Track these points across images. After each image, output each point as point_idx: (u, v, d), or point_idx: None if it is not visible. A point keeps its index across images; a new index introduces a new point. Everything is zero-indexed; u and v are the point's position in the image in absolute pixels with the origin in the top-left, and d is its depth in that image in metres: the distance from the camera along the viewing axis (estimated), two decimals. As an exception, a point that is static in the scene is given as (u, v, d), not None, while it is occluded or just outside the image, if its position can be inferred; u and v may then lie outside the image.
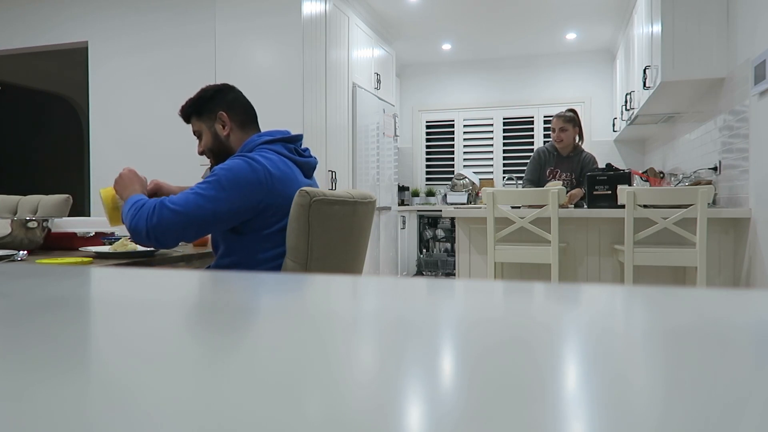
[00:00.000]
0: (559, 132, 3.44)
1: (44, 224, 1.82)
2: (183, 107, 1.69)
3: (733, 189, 2.89)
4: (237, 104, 1.68)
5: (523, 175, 6.04)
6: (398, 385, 0.20)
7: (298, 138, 1.69)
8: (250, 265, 1.57)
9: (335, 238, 1.62)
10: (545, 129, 6.35)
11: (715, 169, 3.15)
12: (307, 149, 1.73)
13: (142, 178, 1.63)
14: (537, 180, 3.61)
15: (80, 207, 6.32)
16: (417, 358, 0.23)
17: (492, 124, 6.46)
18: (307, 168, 1.69)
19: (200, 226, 1.46)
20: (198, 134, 1.68)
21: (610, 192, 2.96)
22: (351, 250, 1.71)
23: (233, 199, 1.46)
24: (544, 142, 6.33)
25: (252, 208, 1.50)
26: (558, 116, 3.47)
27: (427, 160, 6.70)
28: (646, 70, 3.50)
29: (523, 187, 3.39)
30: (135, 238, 1.47)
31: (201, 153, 1.70)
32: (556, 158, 3.55)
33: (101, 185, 4.16)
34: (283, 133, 1.66)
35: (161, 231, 1.43)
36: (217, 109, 1.65)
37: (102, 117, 4.18)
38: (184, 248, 1.98)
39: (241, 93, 1.74)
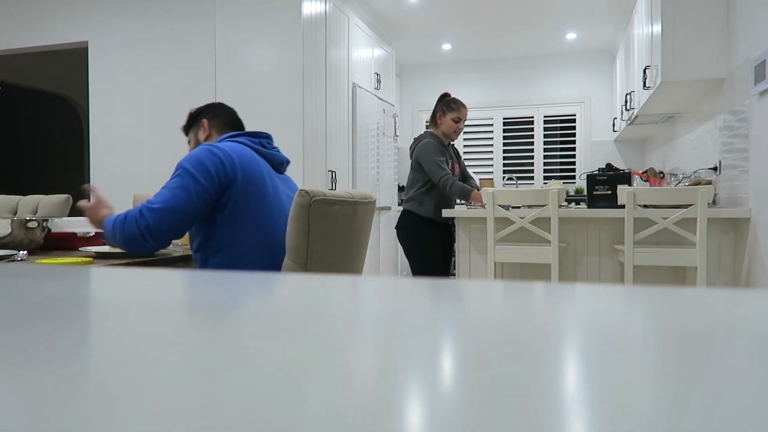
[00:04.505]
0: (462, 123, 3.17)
1: (44, 224, 1.82)
2: (185, 123, 1.88)
3: (733, 189, 2.89)
4: (220, 114, 1.84)
5: (513, 176, 6.07)
6: (397, 385, 0.20)
7: (264, 135, 1.78)
8: (228, 260, 1.60)
9: (335, 238, 1.62)
10: (545, 129, 6.36)
11: (715, 169, 3.15)
12: (275, 147, 1.81)
13: (103, 198, 1.68)
14: None
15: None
16: (416, 358, 0.23)
17: (492, 124, 6.47)
18: (275, 162, 1.77)
19: (186, 215, 1.53)
20: (189, 142, 1.86)
21: (610, 192, 2.96)
22: (351, 250, 1.71)
23: (202, 180, 1.54)
24: (545, 142, 6.36)
25: (222, 185, 1.57)
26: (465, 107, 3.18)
27: (427, 160, 6.70)
28: (646, 70, 3.50)
29: (451, 182, 2.98)
30: (132, 246, 1.53)
31: None
32: (450, 149, 3.26)
33: (101, 185, 4.17)
34: (250, 131, 1.78)
35: (155, 231, 1.50)
36: (200, 119, 1.82)
37: (102, 117, 4.18)
38: (184, 249, 1.98)
39: (231, 109, 1.88)
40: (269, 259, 1.64)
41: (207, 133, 1.80)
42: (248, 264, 1.61)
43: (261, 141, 1.76)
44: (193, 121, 1.84)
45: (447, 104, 3.17)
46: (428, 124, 3.31)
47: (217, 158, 1.57)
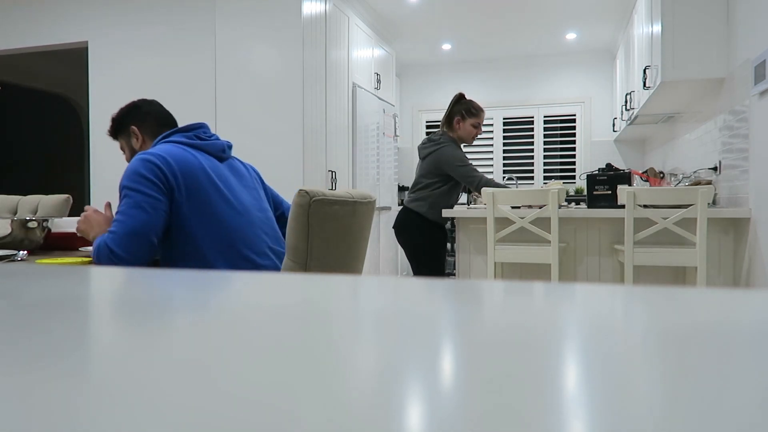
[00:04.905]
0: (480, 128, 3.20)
1: (44, 224, 1.82)
2: (109, 128, 1.81)
3: (733, 189, 2.89)
4: (149, 116, 1.77)
5: (513, 176, 6.04)
6: (396, 385, 0.20)
7: (198, 126, 1.73)
8: (196, 265, 1.59)
9: (335, 238, 1.62)
10: (545, 129, 6.36)
11: (715, 169, 3.15)
12: (213, 135, 1.75)
13: (108, 215, 1.65)
14: None
15: (80, 207, 6.32)
16: (417, 359, 0.23)
17: (492, 124, 6.47)
18: (215, 149, 1.71)
19: (150, 230, 1.49)
20: (122, 150, 1.80)
21: (610, 192, 2.96)
22: (351, 250, 1.71)
23: (148, 191, 1.51)
24: (545, 143, 6.36)
25: (167, 190, 1.54)
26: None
27: (427, 160, 6.70)
28: (646, 70, 3.50)
29: (493, 182, 3.05)
30: None
31: None
32: None
33: (101, 185, 4.17)
34: (182, 126, 1.73)
35: (127, 259, 1.47)
36: (129, 125, 1.76)
37: (102, 117, 4.18)
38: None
39: (158, 105, 1.81)
40: (234, 253, 1.60)
41: (141, 140, 1.75)
42: (216, 262, 1.57)
43: (196, 133, 1.71)
44: (119, 127, 1.78)
45: (468, 110, 3.13)
46: (441, 125, 3.23)
47: (153, 164, 1.53)
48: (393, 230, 3.20)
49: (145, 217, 1.49)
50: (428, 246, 3.07)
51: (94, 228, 1.61)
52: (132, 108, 1.78)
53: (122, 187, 1.53)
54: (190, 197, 1.56)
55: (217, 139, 1.74)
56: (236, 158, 1.83)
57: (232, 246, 1.60)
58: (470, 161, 3.09)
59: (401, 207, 3.19)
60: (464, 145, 3.23)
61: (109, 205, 1.70)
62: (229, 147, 1.76)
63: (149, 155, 1.55)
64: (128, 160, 1.76)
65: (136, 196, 1.50)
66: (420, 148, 3.18)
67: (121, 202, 1.53)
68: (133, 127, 1.74)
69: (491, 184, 3.01)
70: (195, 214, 1.56)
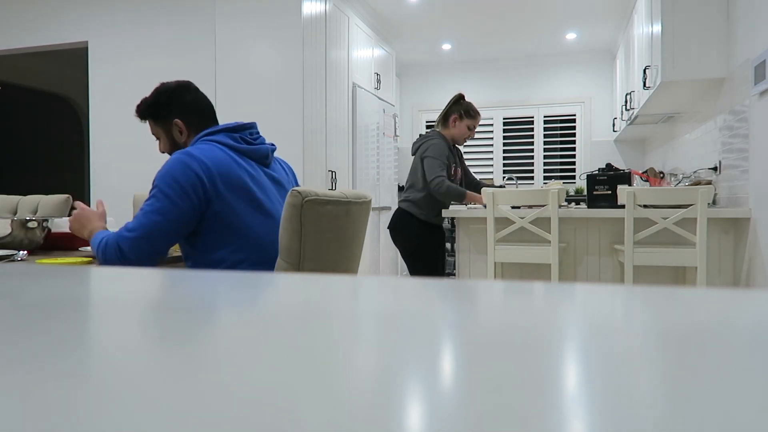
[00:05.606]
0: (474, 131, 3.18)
1: (44, 224, 1.82)
2: (139, 107, 1.68)
3: (733, 189, 2.89)
4: (193, 108, 1.67)
5: (513, 176, 6.01)
6: (396, 385, 0.20)
7: (246, 126, 1.66)
8: (205, 265, 1.57)
9: (328, 239, 1.61)
10: (545, 129, 6.36)
11: (715, 169, 3.15)
12: (259, 137, 1.69)
13: (99, 211, 1.63)
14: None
15: (80, 207, 6.31)
16: (415, 358, 0.23)
17: (492, 124, 6.47)
18: (258, 155, 1.65)
19: (164, 238, 1.48)
20: (156, 136, 1.70)
21: (610, 192, 2.96)
22: (345, 251, 1.70)
23: (178, 200, 1.48)
24: (545, 142, 6.36)
25: (202, 202, 1.51)
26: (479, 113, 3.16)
27: (427, 160, 6.69)
28: (646, 70, 3.50)
29: (446, 185, 2.92)
30: None
31: (163, 152, 1.72)
32: (456, 153, 3.21)
33: (101, 185, 4.16)
34: (230, 125, 1.66)
35: (134, 260, 1.46)
36: (172, 117, 1.65)
37: (102, 117, 4.18)
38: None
39: (198, 91, 1.71)
40: (264, 267, 1.60)
41: (186, 135, 1.66)
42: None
43: (242, 135, 1.64)
44: (156, 114, 1.66)
45: (467, 111, 3.11)
46: (436, 122, 3.23)
47: (193, 173, 1.48)
48: (388, 231, 3.18)
49: (164, 224, 1.47)
50: (423, 246, 3.05)
51: (87, 225, 1.59)
52: (173, 96, 1.65)
53: (154, 185, 1.50)
54: (227, 206, 1.54)
55: (263, 143, 1.69)
56: (277, 159, 1.77)
57: (263, 258, 1.58)
58: (446, 163, 2.99)
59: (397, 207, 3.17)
60: (466, 145, 3.21)
61: (101, 203, 1.68)
62: (273, 150, 1.71)
63: (191, 158, 1.50)
64: (165, 149, 1.70)
65: (163, 201, 1.47)
66: (412, 146, 3.18)
67: (148, 199, 1.50)
68: (178, 120, 1.65)
69: (452, 189, 2.89)
70: (229, 226, 1.55)
